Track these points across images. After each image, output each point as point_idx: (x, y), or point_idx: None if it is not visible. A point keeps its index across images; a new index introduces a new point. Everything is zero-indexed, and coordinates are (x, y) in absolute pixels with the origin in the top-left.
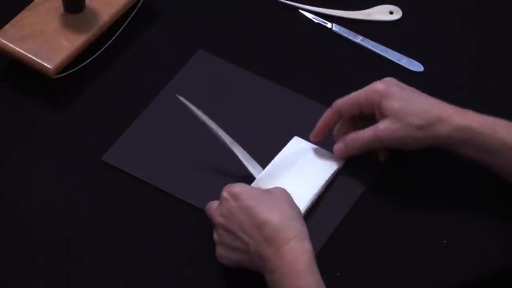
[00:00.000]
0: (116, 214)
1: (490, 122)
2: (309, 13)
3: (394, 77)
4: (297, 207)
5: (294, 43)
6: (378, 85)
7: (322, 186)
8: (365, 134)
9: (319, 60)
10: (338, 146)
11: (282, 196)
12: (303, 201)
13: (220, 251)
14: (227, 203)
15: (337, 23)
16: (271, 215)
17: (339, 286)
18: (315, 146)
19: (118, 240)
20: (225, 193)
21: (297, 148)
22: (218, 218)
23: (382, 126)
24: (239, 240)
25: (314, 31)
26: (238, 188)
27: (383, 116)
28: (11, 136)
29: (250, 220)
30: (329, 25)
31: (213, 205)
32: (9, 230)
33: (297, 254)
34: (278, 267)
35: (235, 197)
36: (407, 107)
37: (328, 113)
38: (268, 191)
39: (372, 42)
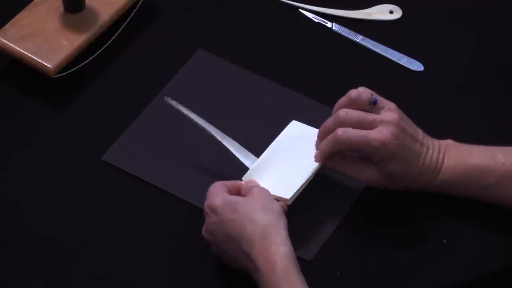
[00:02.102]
0: (116, 213)
1: (468, 169)
2: (309, 12)
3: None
4: (275, 205)
5: (294, 43)
6: (384, 142)
7: (316, 168)
8: (349, 171)
9: (319, 60)
10: (328, 164)
11: (259, 201)
12: (296, 181)
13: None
14: (209, 218)
15: (337, 22)
16: (246, 228)
17: (339, 285)
18: (312, 129)
19: (118, 239)
20: (206, 208)
21: (295, 132)
22: (204, 233)
23: (369, 177)
24: (226, 252)
25: (314, 31)
26: (216, 201)
27: (377, 168)
28: (11, 135)
29: (228, 234)
30: (329, 24)
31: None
32: (9, 230)
33: (271, 265)
34: (258, 279)
35: (214, 211)
36: (400, 173)
37: (330, 147)
38: (246, 196)
39: (372, 42)
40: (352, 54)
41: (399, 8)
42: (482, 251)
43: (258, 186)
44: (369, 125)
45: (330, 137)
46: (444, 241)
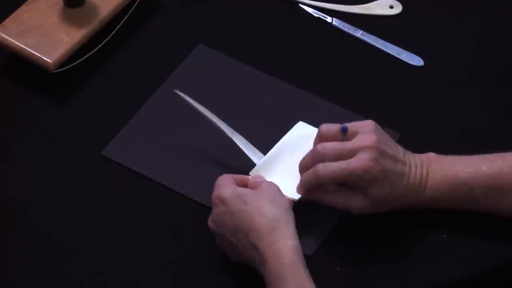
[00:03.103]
0: (115, 208)
1: (455, 183)
2: (309, 7)
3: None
4: (284, 200)
5: (294, 38)
6: (366, 169)
7: None
8: (336, 203)
9: (319, 55)
10: (309, 196)
11: (268, 194)
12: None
13: (222, 248)
14: (217, 208)
15: (337, 17)
16: (254, 220)
17: (339, 280)
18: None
19: (118, 234)
20: (214, 198)
21: (301, 133)
22: (210, 224)
23: (357, 205)
24: (232, 243)
25: (314, 26)
26: (226, 192)
27: (363, 195)
28: (10, 130)
29: (236, 226)
30: (329, 19)
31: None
32: (8, 225)
33: (279, 258)
34: (264, 272)
35: (223, 202)
36: (387, 196)
37: (312, 182)
38: (255, 190)
39: (372, 37)
40: (352, 49)
41: (399, 3)
42: (481, 245)
43: (266, 181)
44: (348, 155)
45: (311, 171)
46: (444, 236)
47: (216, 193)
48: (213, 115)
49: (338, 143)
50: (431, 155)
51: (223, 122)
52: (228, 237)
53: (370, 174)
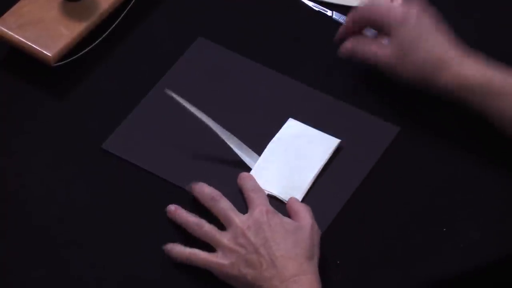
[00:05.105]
0: (116, 202)
1: (485, 74)
2: (309, 0)
3: None
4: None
5: (294, 31)
6: (401, 9)
7: (320, 169)
8: (368, 48)
9: (319, 48)
10: (347, 46)
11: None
12: (301, 185)
13: (228, 268)
14: (262, 217)
15: (337, 11)
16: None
17: (340, 274)
18: (310, 128)
19: (118, 229)
20: (261, 206)
21: (293, 131)
22: (245, 231)
23: (386, 50)
24: (259, 255)
25: (314, 19)
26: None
27: (390, 38)
28: (10, 124)
29: (282, 236)
30: (329, 13)
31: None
32: (8, 218)
33: None
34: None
35: (268, 213)
36: (413, 42)
37: (349, 25)
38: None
39: (372, 30)
40: None
41: None
42: (482, 239)
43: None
44: None
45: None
46: (444, 229)
47: (260, 205)
48: (207, 117)
49: None
50: None
51: (217, 124)
52: (258, 248)
53: (395, 10)
